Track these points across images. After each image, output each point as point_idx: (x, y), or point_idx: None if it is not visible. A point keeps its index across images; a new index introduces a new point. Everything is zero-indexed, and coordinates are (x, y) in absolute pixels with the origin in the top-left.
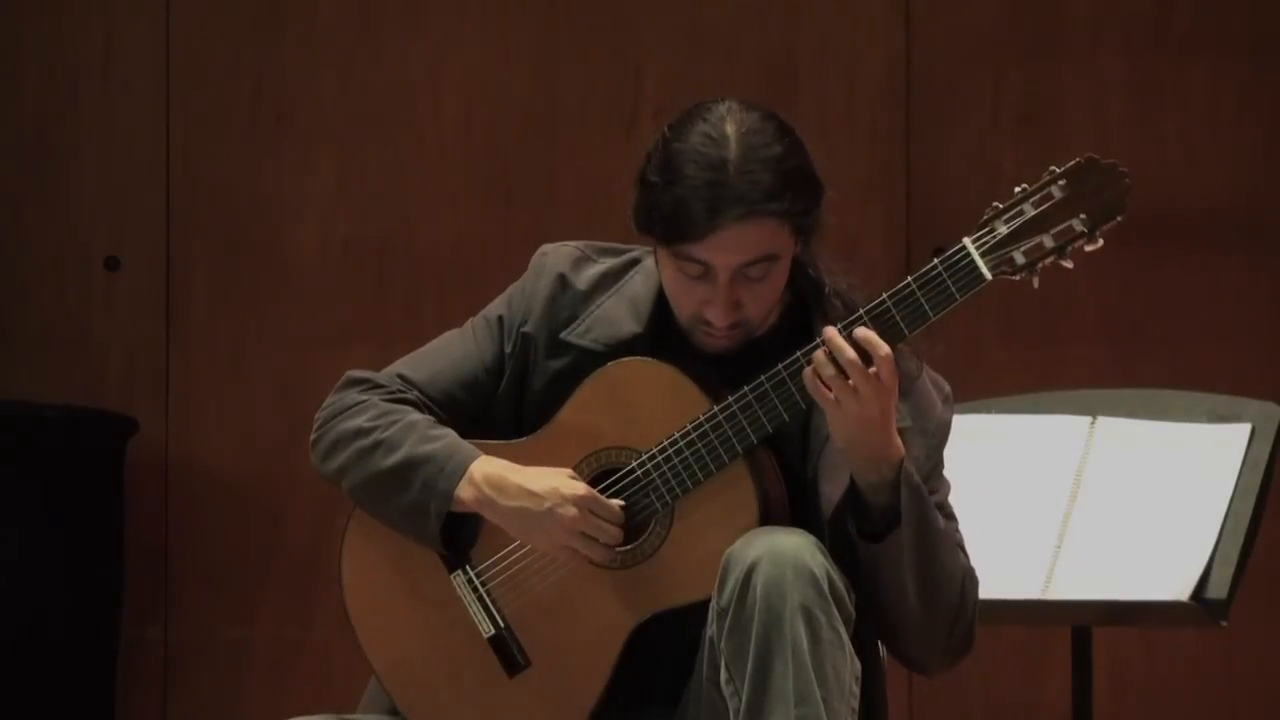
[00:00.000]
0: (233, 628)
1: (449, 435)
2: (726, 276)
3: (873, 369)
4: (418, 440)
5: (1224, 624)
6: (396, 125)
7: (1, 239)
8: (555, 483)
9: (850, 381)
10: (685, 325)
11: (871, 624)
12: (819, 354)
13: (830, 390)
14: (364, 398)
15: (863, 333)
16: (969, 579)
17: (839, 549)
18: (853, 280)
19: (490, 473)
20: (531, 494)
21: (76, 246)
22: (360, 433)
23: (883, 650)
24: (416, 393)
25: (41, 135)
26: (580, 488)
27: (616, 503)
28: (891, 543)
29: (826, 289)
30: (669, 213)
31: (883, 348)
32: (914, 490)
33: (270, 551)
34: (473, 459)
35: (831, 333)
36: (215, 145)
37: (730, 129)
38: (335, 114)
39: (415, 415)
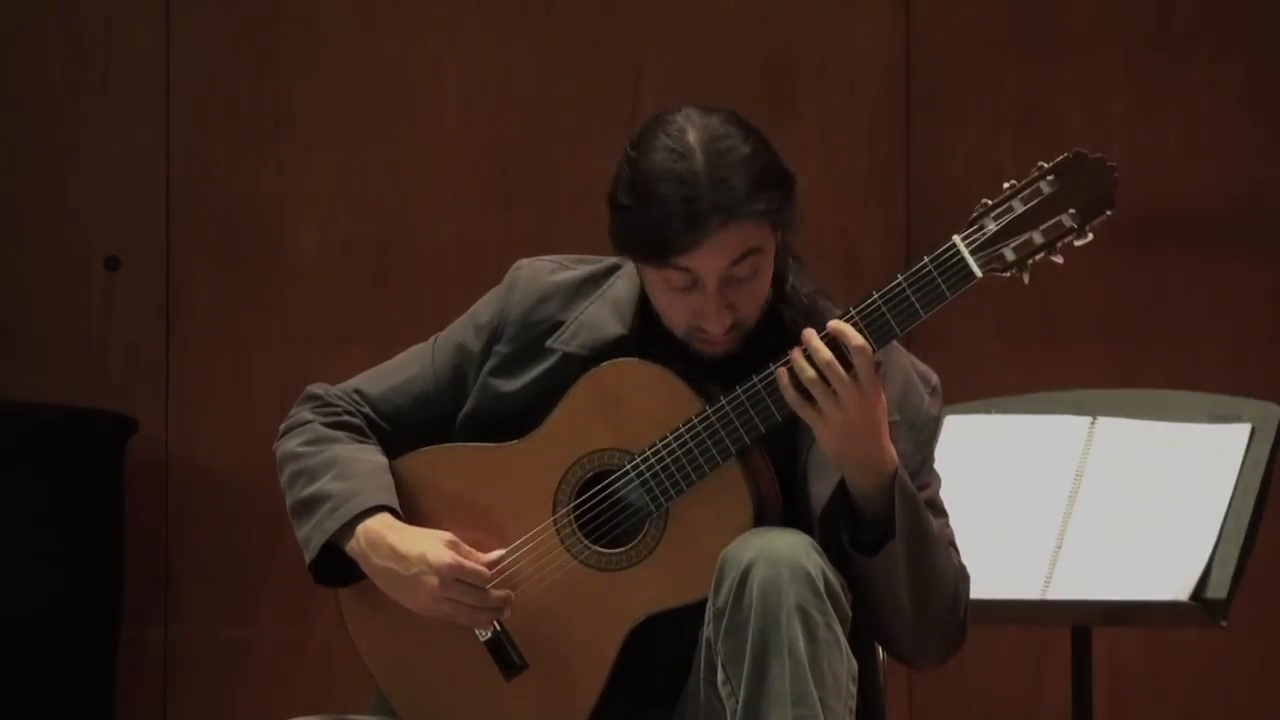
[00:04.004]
0: (233, 628)
1: (367, 474)
2: (715, 283)
3: (852, 372)
4: (334, 476)
5: (1224, 624)
6: (396, 125)
7: (2, 239)
8: (424, 548)
9: (830, 386)
10: (682, 336)
11: (865, 626)
12: (797, 357)
13: (812, 402)
14: (310, 418)
15: (836, 326)
16: (960, 577)
17: (830, 547)
18: (810, 267)
19: (371, 528)
20: (400, 557)
21: (76, 246)
22: (294, 457)
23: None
24: (369, 408)
25: (41, 135)
26: (446, 555)
27: (490, 556)
28: (885, 555)
29: (788, 284)
30: (649, 233)
31: (856, 339)
32: (908, 499)
33: (270, 551)
34: (364, 510)
35: (809, 334)
36: (215, 145)
37: (693, 138)
38: (335, 114)
39: (342, 448)
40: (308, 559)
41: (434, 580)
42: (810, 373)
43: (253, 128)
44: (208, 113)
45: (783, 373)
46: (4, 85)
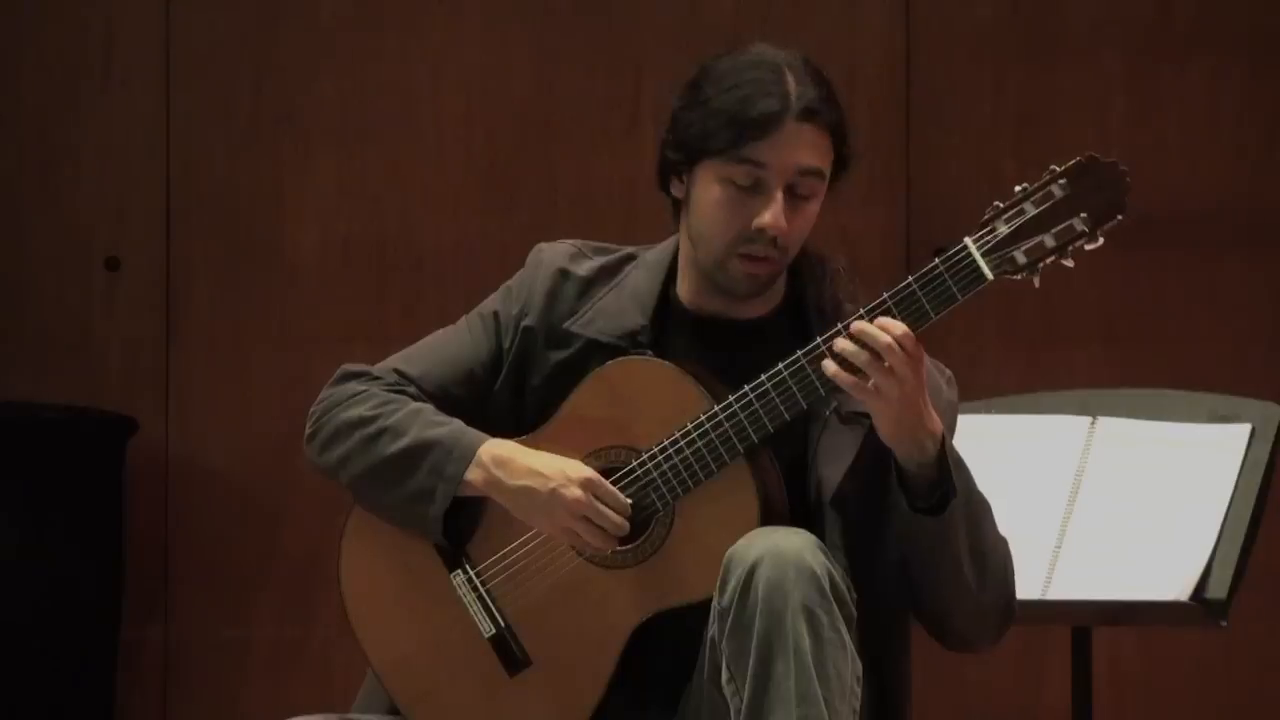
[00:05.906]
0: (233, 628)
1: (455, 421)
2: (782, 182)
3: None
4: (424, 425)
5: (1224, 624)
6: (396, 125)
7: (2, 239)
8: (561, 464)
9: (887, 364)
10: (720, 257)
11: (925, 603)
12: (846, 344)
13: (866, 380)
14: (363, 388)
15: (882, 320)
16: (1008, 551)
17: (839, 533)
18: (843, 264)
19: (498, 454)
20: (537, 474)
21: (76, 246)
22: (363, 421)
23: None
24: (414, 387)
25: (41, 135)
26: (586, 471)
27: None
28: (949, 516)
29: (829, 264)
30: (732, 111)
31: (899, 326)
32: (959, 462)
33: (270, 551)
34: (481, 441)
35: (860, 323)
36: (215, 145)
37: (772, 53)
38: (335, 114)
39: (417, 403)
40: (437, 509)
41: (576, 493)
42: (866, 356)
43: (253, 128)
44: (208, 112)
45: (833, 367)
46: (4, 85)
